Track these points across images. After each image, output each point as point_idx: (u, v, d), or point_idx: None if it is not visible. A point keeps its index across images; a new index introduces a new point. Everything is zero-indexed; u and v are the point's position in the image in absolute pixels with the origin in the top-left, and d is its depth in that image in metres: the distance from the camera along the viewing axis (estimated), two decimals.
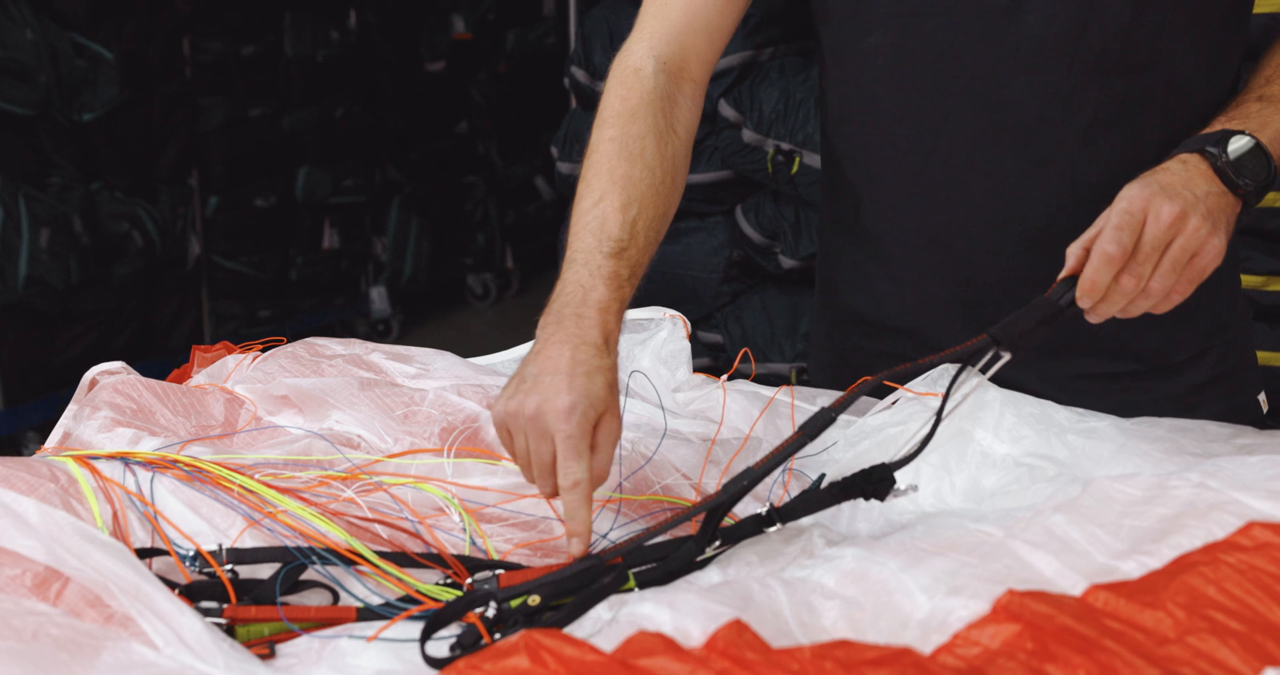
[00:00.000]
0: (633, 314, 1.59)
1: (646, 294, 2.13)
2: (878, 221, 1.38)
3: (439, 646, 0.97)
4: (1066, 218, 1.17)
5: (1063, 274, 1.11)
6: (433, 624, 0.97)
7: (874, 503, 1.18)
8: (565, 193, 3.08)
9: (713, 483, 1.21)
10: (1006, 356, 1.10)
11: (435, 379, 1.38)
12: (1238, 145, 1.12)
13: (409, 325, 5.36)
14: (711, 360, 2.81)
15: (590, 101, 3.03)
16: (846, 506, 1.17)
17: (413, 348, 1.47)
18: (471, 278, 5.64)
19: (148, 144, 4.02)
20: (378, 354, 1.45)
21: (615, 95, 1.29)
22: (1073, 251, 1.10)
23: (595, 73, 2.94)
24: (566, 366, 1.07)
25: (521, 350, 1.54)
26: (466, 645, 0.97)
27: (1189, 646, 0.81)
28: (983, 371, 1.12)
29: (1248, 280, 2.38)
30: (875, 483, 1.09)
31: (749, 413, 1.36)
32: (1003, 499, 1.14)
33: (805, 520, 1.13)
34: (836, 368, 1.47)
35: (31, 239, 3.58)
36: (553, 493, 1.07)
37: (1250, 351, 1.39)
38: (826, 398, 1.39)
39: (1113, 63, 1.24)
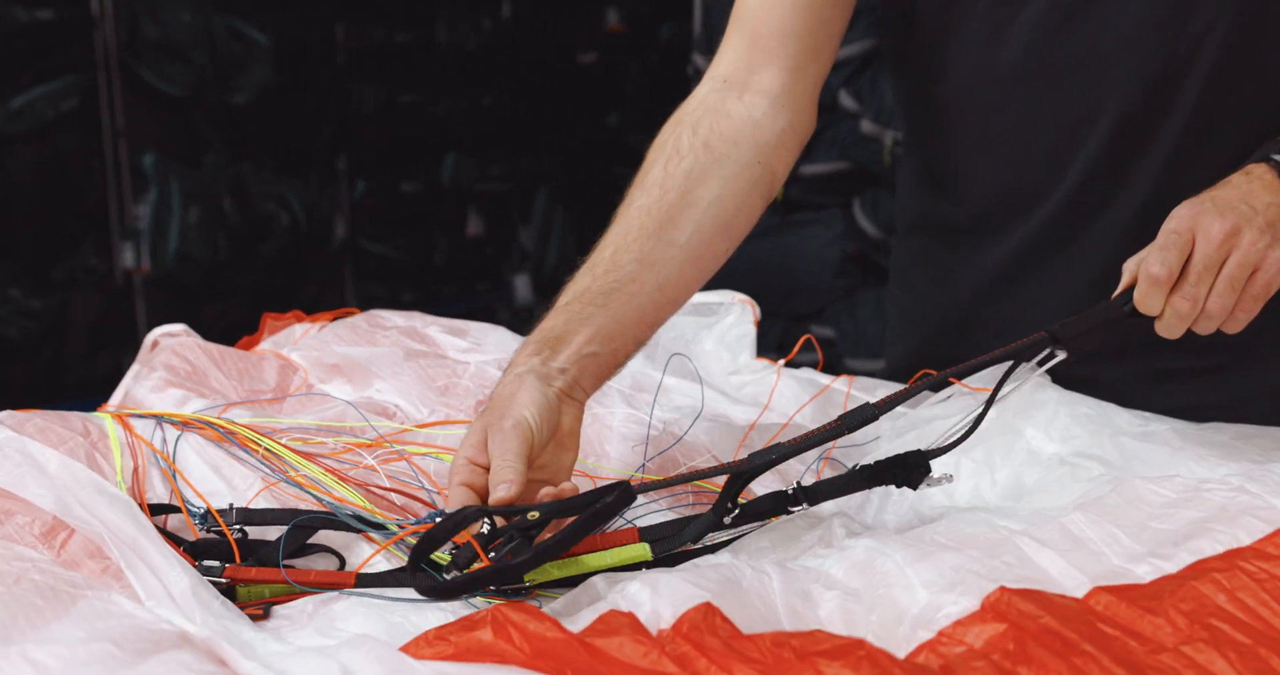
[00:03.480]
0: (702, 298, 1.55)
1: (756, 286, 2.09)
2: (969, 218, 1.31)
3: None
4: (1164, 214, 1.09)
5: (1120, 288, 1.07)
6: (422, 548, 0.96)
7: (905, 495, 1.13)
8: None
9: None
10: (1061, 355, 1.05)
11: (484, 353, 1.37)
12: None
13: None
14: (824, 355, 2.75)
15: None
16: (876, 498, 1.12)
17: (470, 322, 1.46)
18: None
19: (298, 128, 4.15)
20: (435, 327, 1.44)
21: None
22: (1128, 267, 1.06)
23: None
24: None
25: None
26: (461, 564, 0.95)
27: (1183, 656, 0.74)
28: (1038, 367, 1.06)
29: None
30: (909, 469, 1.03)
31: (801, 399, 1.31)
32: (1040, 497, 1.07)
33: (829, 508, 1.08)
34: (909, 364, 1.41)
35: (182, 215, 3.73)
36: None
37: None
38: (886, 390, 1.33)
39: (1214, 56, 1.15)
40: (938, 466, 1.06)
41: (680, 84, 5.36)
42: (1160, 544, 0.87)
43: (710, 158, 1.13)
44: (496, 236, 5.01)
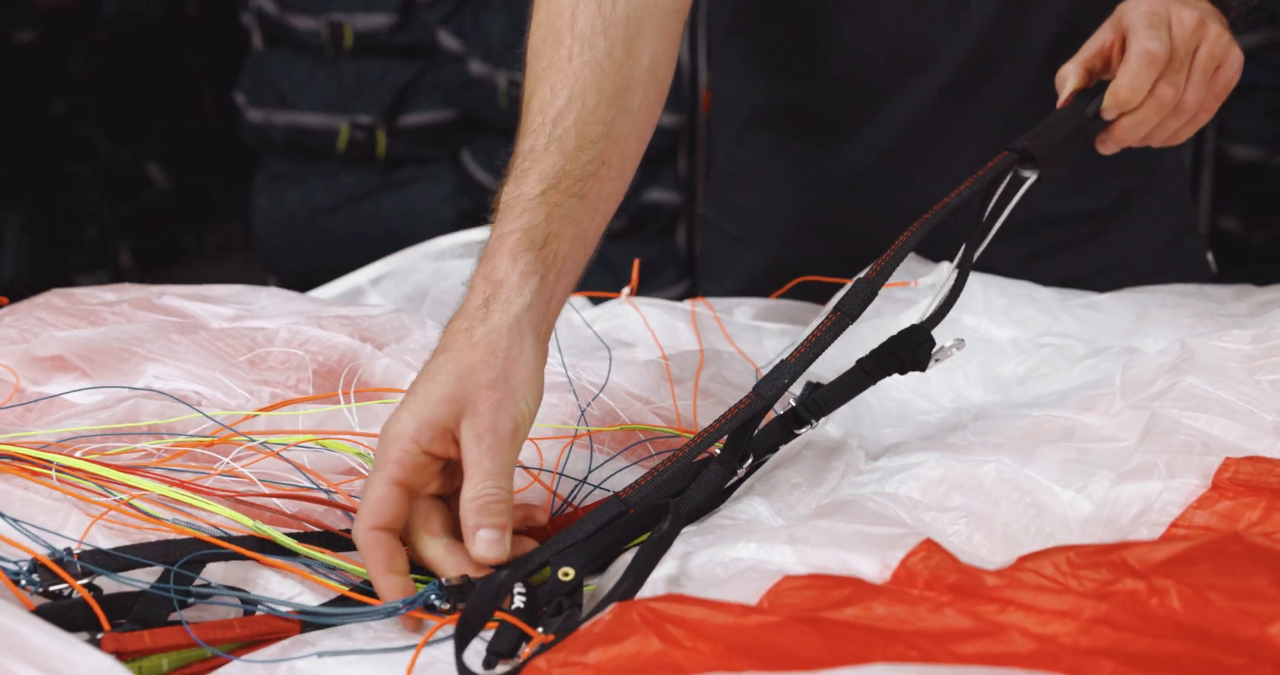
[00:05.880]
0: (470, 235, 1.32)
1: (361, 256, 1.83)
2: (834, 99, 1.16)
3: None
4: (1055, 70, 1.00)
5: (1068, 92, 0.95)
6: (464, 634, 0.68)
7: (887, 408, 0.98)
8: (256, 144, 2.67)
9: (685, 405, 0.97)
10: (1033, 177, 0.92)
11: (269, 318, 1.05)
12: None
13: None
14: None
15: (280, 36, 2.61)
16: (866, 415, 0.96)
17: (219, 286, 1.12)
18: (82, 278, 4.99)
19: None
20: (170, 296, 1.09)
21: None
22: (1071, 70, 0.95)
23: (287, 2, 2.54)
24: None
25: (363, 274, 1.24)
26: (506, 652, 0.68)
27: None
28: (1006, 199, 0.92)
29: None
30: (913, 348, 0.87)
31: (672, 327, 1.12)
32: (1036, 384, 0.97)
33: (836, 433, 0.91)
34: (771, 273, 1.25)
35: None
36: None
37: (1193, 209, 1.30)
38: (746, 308, 1.18)
39: None
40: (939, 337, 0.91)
41: (138, 69, 4.80)
42: None
43: (643, 3, 0.90)
44: None
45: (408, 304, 1.27)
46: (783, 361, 0.83)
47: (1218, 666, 0.55)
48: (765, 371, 0.85)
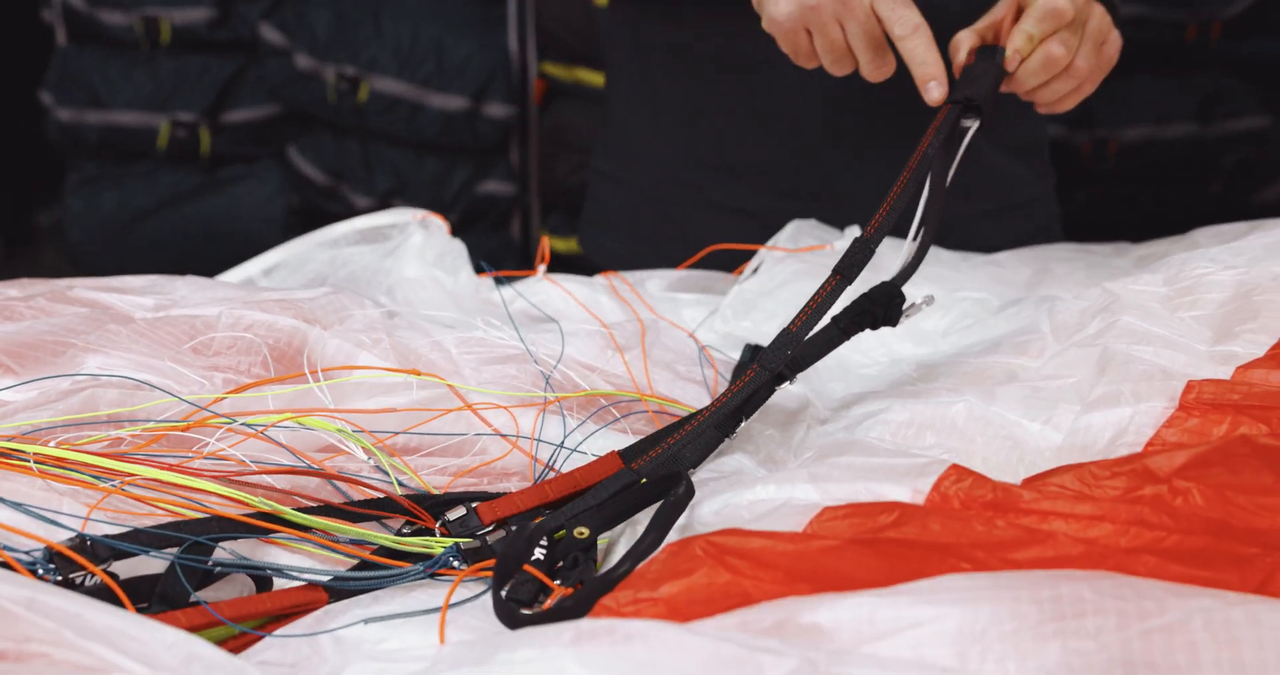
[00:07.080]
0: (367, 221, 1.30)
1: (186, 258, 1.79)
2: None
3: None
4: None
5: (966, 49, 1.00)
6: (502, 575, 0.69)
7: (830, 363, 1.02)
8: (64, 144, 2.53)
9: (639, 374, 0.99)
10: (974, 125, 0.97)
11: (196, 306, 1.02)
12: None
13: None
14: None
15: (88, 31, 2.47)
16: (812, 374, 1.00)
17: (129, 277, 1.09)
18: None
19: None
20: (83, 289, 1.05)
21: None
22: (965, 35, 1.01)
23: None
24: None
25: (254, 265, 1.22)
26: (526, 601, 0.70)
27: None
28: (955, 147, 0.97)
29: None
30: (885, 305, 0.92)
31: (594, 301, 1.14)
32: (960, 336, 1.03)
33: (795, 388, 0.96)
34: (670, 240, 1.28)
35: None
36: (888, 69, 1.01)
37: (1058, 204, 1.39)
38: (657, 280, 1.21)
39: None
40: (909, 293, 0.96)
41: None
42: (1226, 325, 0.86)
43: None
44: None
45: None
46: (785, 331, 0.87)
47: (1235, 557, 0.61)
48: (749, 342, 0.89)
